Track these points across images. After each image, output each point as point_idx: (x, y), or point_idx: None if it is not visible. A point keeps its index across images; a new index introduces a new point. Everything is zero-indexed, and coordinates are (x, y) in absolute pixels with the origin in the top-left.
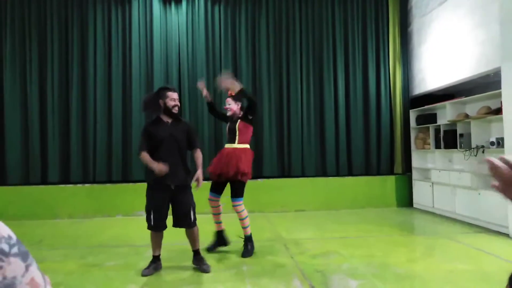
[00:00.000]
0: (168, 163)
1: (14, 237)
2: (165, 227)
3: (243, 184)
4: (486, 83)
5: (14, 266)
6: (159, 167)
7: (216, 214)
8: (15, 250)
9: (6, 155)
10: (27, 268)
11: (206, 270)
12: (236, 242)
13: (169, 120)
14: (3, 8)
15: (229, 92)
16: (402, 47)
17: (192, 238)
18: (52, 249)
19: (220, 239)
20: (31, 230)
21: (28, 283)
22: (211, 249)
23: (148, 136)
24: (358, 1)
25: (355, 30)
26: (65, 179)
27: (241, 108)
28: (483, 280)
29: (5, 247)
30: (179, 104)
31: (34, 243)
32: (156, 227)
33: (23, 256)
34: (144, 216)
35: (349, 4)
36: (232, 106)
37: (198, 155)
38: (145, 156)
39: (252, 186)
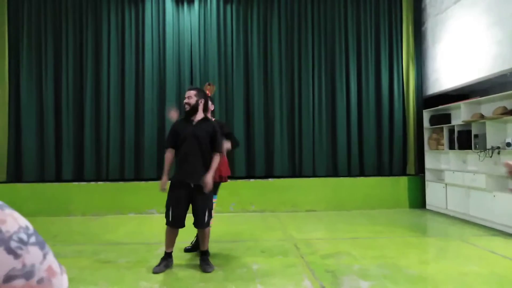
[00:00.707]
0: (189, 162)
1: (31, 227)
2: (183, 225)
3: (218, 183)
4: (502, 83)
5: (33, 255)
6: (162, 186)
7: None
8: (33, 239)
9: (22, 153)
10: (44, 256)
11: (206, 270)
12: (243, 241)
13: (194, 119)
14: (20, 7)
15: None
16: (416, 46)
17: (202, 238)
18: (65, 245)
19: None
20: (45, 226)
21: (46, 270)
22: (189, 250)
23: (174, 133)
24: (371, 0)
25: (368, 28)
26: (79, 177)
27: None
28: (497, 284)
29: (24, 237)
30: (189, 101)
31: (49, 239)
32: (174, 223)
33: (41, 245)
34: (156, 215)
35: (362, 2)
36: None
37: (215, 158)
38: (167, 158)
39: (263, 185)
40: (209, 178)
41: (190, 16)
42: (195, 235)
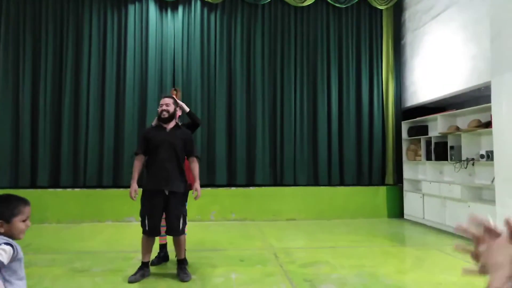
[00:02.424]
0: (165, 168)
1: None
2: (159, 233)
3: (187, 192)
4: (477, 97)
5: None
6: (132, 191)
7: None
8: None
9: None
10: None
11: (183, 279)
12: (222, 250)
13: (168, 126)
14: None
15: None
16: (395, 60)
17: (178, 246)
18: (39, 254)
19: (166, 254)
20: None
21: None
22: (154, 263)
23: (145, 140)
24: (352, 14)
25: (349, 42)
26: (55, 183)
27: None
28: None
29: None
30: (167, 108)
31: (21, 247)
32: (151, 232)
33: None
34: (134, 223)
35: (344, 17)
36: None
37: (194, 165)
38: (136, 165)
39: (243, 194)
40: (198, 185)
41: (174, 23)
42: (159, 247)
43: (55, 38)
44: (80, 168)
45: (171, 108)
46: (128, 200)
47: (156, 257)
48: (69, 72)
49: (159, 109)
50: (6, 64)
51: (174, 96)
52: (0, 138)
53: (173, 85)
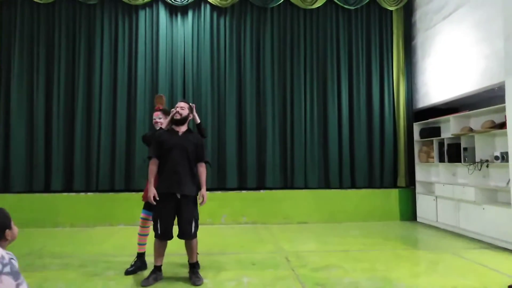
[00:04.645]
0: (177, 172)
1: (7, 257)
2: (172, 236)
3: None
4: (491, 97)
5: (6, 284)
6: (151, 195)
7: (146, 235)
8: (7, 269)
9: (10, 162)
10: (17, 286)
11: (195, 283)
12: (234, 254)
13: (180, 130)
14: (13, 18)
15: (157, 106)
16: (406, 61)
17: (190, 250)
18: (52, 257)
19: (143, 262)
20: (32, 238)
21: None
22: (129, 272)
23: (159, 143)
24: (362, 15)
25: (359, 43)
26: (68, 188)
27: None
28: None
29: None
30: (181, 111)
31: (35, 251)
32: (163, 235)
33: (15, 275)
34: None
35: (354, 18)
36: (163, 121)
37: (202, 170)
38: (152, 168)
39: (254, 197)
40: (205, 192)
41: (184, 28)
42: (136, 256)
43: (68, 44)
44: (93, 173)
45: (185, 112)
46: (140, 203)
47: (131, 265)
48: (82, 78)
49: (173, 111)
50: (20, 70)
51: (160, 105)
52: (15, 144)
53: (184, 88)
